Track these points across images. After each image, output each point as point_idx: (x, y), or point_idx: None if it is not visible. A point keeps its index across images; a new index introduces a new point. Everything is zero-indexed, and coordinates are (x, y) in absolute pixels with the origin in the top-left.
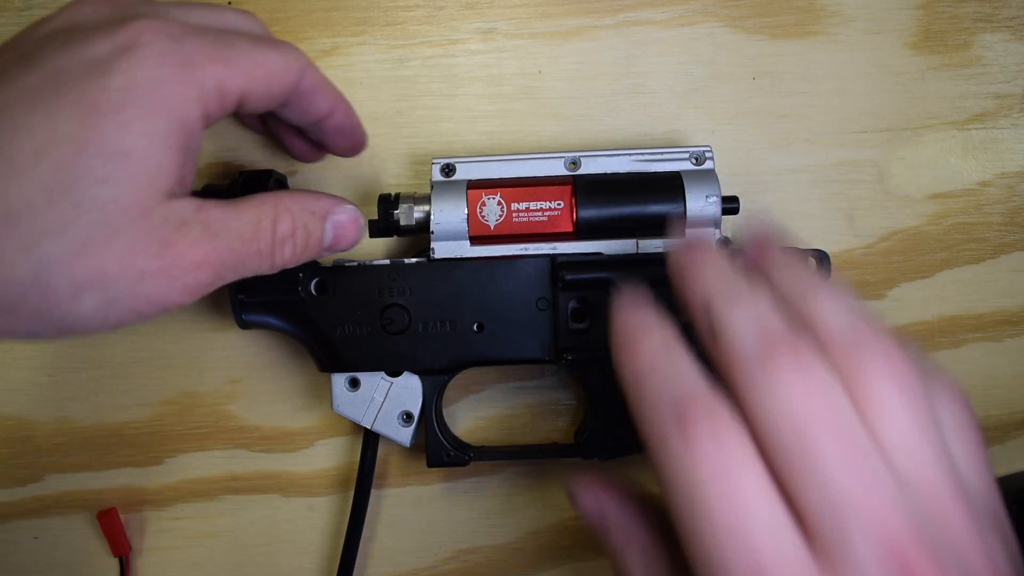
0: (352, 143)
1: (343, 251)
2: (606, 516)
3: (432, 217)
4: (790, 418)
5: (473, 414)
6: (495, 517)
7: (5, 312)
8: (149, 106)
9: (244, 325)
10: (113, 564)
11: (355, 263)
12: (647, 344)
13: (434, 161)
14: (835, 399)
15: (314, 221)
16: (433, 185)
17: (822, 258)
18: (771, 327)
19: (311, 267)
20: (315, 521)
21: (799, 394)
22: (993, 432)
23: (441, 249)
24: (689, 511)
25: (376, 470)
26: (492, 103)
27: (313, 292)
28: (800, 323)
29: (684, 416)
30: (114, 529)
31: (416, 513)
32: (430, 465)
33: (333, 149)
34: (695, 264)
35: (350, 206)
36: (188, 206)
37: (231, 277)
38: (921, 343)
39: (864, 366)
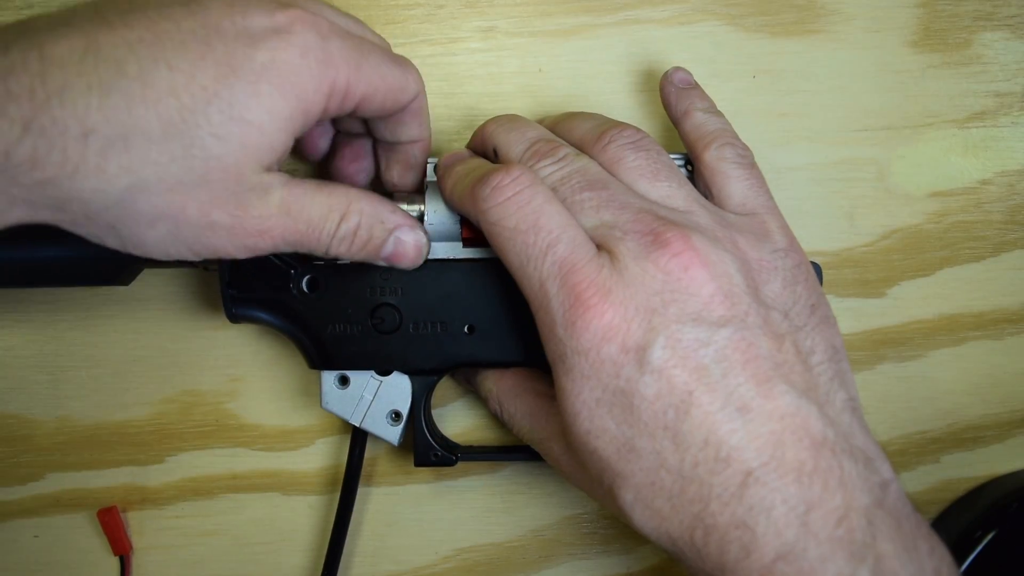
0: (409, 182)
1: (401, 267)
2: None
3: (426, 218)
4: (558, 178)
5: (469, 413)
6: (495, 515)
7: (87, 217)
8: (282, 88)
9: (234, 319)
10: (113, 563)
11: (347, 261)
12: (459, 155)
13: (428, 161)
14: (587, 163)
15: (380, 229)
16: (427, 185)
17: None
18: (538, 143)
19: (303, 264)
20: (316, 519)
21: (560, 166)
22: (993, 430)
23: (434, 249)
24: (507, 237)
25: (375, 468)
26: (492, 102)
27: (305, 289)
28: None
29: (489, 175)
30: (114, 528)
31: (416, 511)
32: (417, 465)
33: (386, 177)
34: (488, 123)
35: (420, 231)
36: (277, 181)
37: (287, 249)
38: (921, 342)
39: (609, 144)
